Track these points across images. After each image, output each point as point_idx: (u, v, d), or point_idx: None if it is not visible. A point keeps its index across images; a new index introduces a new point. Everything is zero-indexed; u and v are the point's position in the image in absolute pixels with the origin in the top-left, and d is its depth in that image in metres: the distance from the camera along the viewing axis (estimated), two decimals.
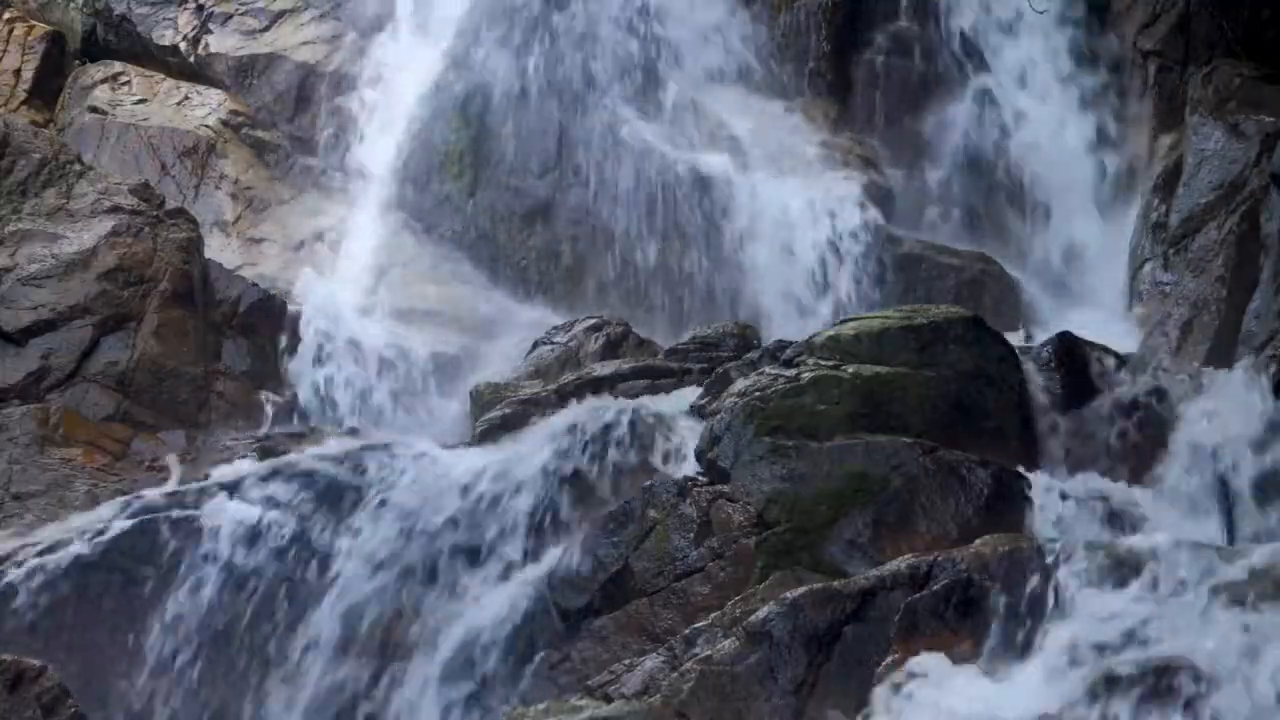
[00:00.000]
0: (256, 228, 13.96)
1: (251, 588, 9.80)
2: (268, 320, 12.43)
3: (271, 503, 10.14)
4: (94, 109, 14.52)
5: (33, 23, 15.08)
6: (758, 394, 9.74)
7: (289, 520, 10.04)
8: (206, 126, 14.46)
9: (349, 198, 14.32)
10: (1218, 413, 9.93)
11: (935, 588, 8.23)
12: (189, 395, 11.70)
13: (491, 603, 9.44)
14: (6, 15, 15.02)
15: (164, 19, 15.24)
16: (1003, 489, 9.28)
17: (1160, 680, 7.44)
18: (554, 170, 14.03)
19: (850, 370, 9.78)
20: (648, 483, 9.66)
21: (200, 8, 15.24)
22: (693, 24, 14.93)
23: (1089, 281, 13.53)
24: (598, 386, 11.07)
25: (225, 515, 10.05)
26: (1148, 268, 12.35)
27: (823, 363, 9.88)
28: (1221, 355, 11.07)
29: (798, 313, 13.22)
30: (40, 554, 9.88)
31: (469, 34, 14.68)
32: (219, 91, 14.83)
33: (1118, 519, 9.33)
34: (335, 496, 10.16)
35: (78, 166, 12.60)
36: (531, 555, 9.66)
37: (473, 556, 9.76)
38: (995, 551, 8.36)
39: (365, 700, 9.39)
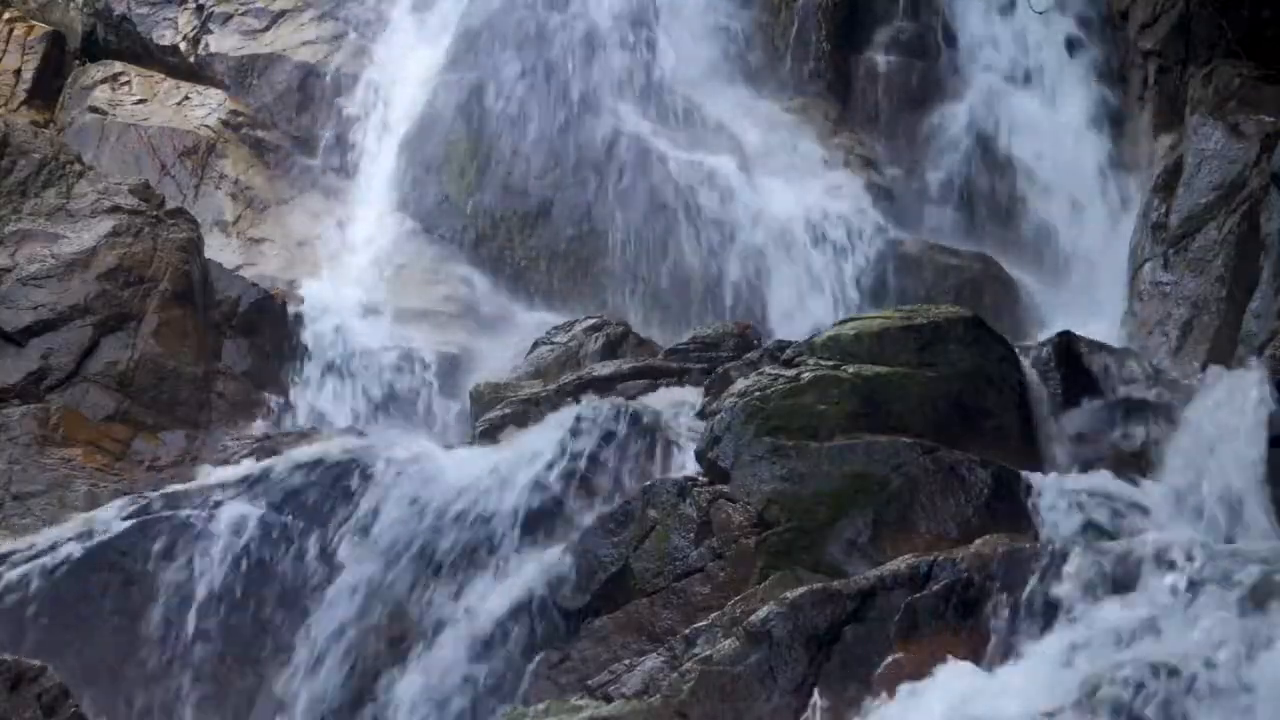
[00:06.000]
0: (256, 228, 13.96)
1: (251, 588, 9.80)
2: (268, 320, 12.42)
3: (271, 503, 10.13)
4: (94, 109, 14.52)
5: (33, 23, 15.08)
6: (758, 394, 9.74)
7: (289, 521, 10.04)
8: (206, 126, 14.46)
9: (349, 198, 14.32)
10: (1217, 412, 9.93)
11: (935, 588, 8.24)
12: (189, 395, 11.70)
13: (491, 602, 9.44)
14: (6, 15, 15.02)
15: (164, 19, 15.24)
16: (1003, 489, 9.28)
17: (1160, 680, 7.44)
18: (554, 170, 14.03)
19: (850, 370, 9.78)
20: (648, 483, 9.66)
21: (200, 8, 15.24)
22: (693, 23, 14.93)
23: (1089, 281, 13.53)
24: (598, 386, 11.08)
25: (225, 515, 10.05)
26: (1148, 268, 12.34)
27: (823, 363, 9.88)
28: (1221, 355, 11.07)
29: (798, 313, 13.22)
30: (40, 554, 9.88)
31: (469, 34, 14.68)
32: (219, 91, 14.82)
33: (1118, 519, 9.32)
34: (335, 497, 10.16)
35: (78, 166, 12.60)
36: (531, 555, 9.66)
37: (473, 556, 9.75)
38: (995, 551, 8.37)
39: (366, 700, 9.39)
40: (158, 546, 9.92)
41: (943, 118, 14.51)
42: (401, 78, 14.78)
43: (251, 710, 9.51)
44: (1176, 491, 9.67)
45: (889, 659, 8.06)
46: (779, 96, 14.73)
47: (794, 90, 14.77)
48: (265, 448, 11.08)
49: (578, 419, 10.28)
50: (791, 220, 13.70)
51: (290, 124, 14.70)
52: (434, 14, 15.11)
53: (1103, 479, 9.70)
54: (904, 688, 7.87)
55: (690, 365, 11.32)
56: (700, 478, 9.62)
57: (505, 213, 13.98)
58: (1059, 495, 9.37)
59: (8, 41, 14.84)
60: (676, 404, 10.64)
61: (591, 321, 12.32)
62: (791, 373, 9.85)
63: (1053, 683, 7.61)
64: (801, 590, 8.41)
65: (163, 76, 14.99)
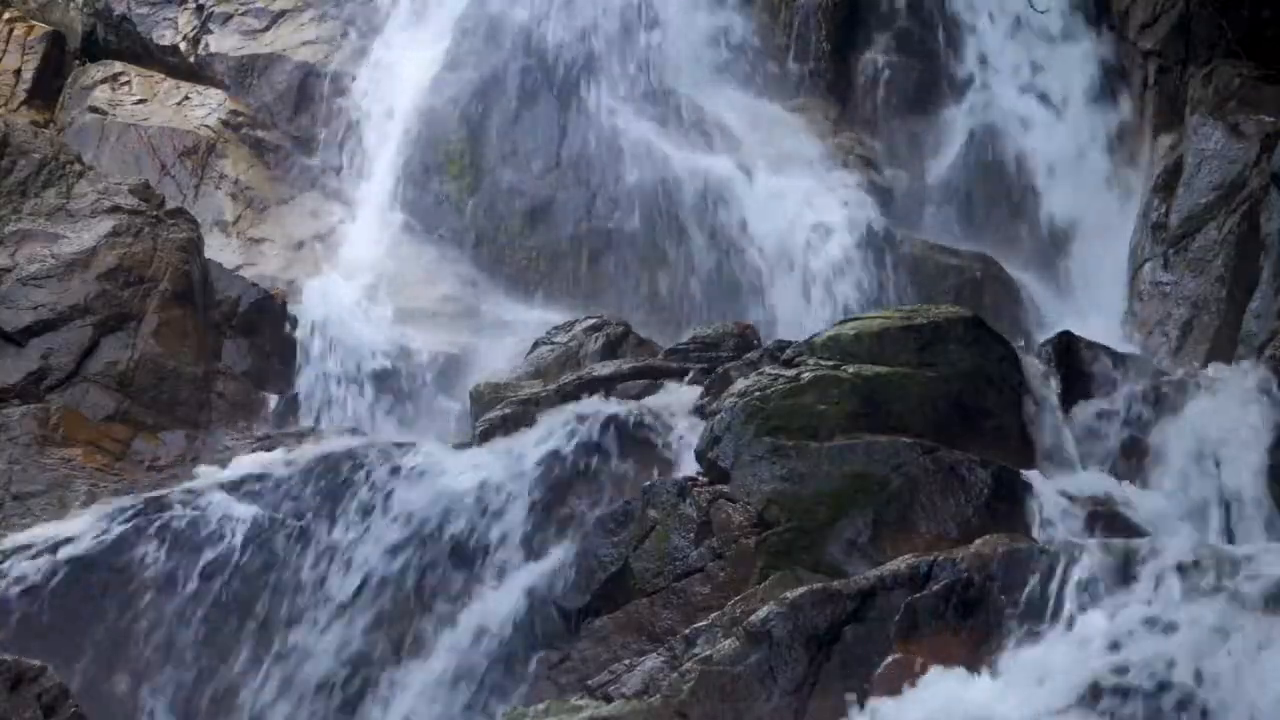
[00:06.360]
0: (256, 228, 13.96)
1: (251, 589, 9.80)
2: (268, 320, 12.42)
3: (271, 503, 10.13)
4: (94, 109, 14.52)
5: (33, 23, 15.08)
6: (758, 394, 9.74)
7: (289, 521, 10.04)
8: (206, 126, 14.46)
9: (349, 198, 14.32)
10: (1218, 413, 9.93)
11: (935, 588, 8.23)
12: (189, 395, 11.70)
13: (491, 603, 9.45)
14: (6, 15, 15.02)
15: (164, 19, 15.24)
16: (1003, 489, 9.28)
17: (1159, 681, 7.44)
18: (554, 170, 14.03)
19: (850, 370, 9.78)
20: (648, 483, 9.66)
21: (200, 8, 15.24)
22: (693, 23, 14.93)
23: (1089, 281, 13.53)
24: (598, 386, 11.07)
25: (225, 515, 10.05)
26: (1148, 268, 12.35)
27: (823, 363, 9.88)
28: (1221, 355, 11.08)
29: (798, 313, 13.22)
30: (40, 554, 9.87)
31: (469, 34, 14.68)
32: (219, 91, 14.82)
33: (1117, 519, 9.33)
34: (335, 497, 10.16)
35: (78, 166, 12.59)
36: (531, 555, 9.66)
37: (473, 556, 9.76)
38: (995, 551, 8.36)
39: (366, 700, 9.39)
40: (157, 546, 9.92)
41: (943, 118, 14.52)
42: (401, 78, 14.78)
43: (251, 709, 9.50)
44: (1176, 492, 9.67)
45: (889, 659, 8.06)
46: (779, 96, 14.73)
47: (794, 90, 14.77)
48: (265, 448, 11.08)
49: (577, 419, 10.29)
50: (791, 220, 13.70)
51: (290, 124, 14.70)
52: (434, 14, 15.10)
53: (1103, 479, 9.71)
54: (904, 688, 7.87)
55: (690, 365, 11.31)
56: (700, 478, 9.62)
57: (505, 213, 13.98)
58: (1059, 495, 9.38)
59: (8, 41, 14.84)
60: (676, 404, 10.63)
61: (591, 321, 12.32)
62: (791, 373, 9.85)
63: (1052, 683, 7.61)
64: (801, 590, 8.40)
65: (163, 76, 14.99)
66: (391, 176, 14.30)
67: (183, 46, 15.11)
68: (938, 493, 9.23)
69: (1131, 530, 9.18)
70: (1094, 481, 9.65)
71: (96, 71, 14.90)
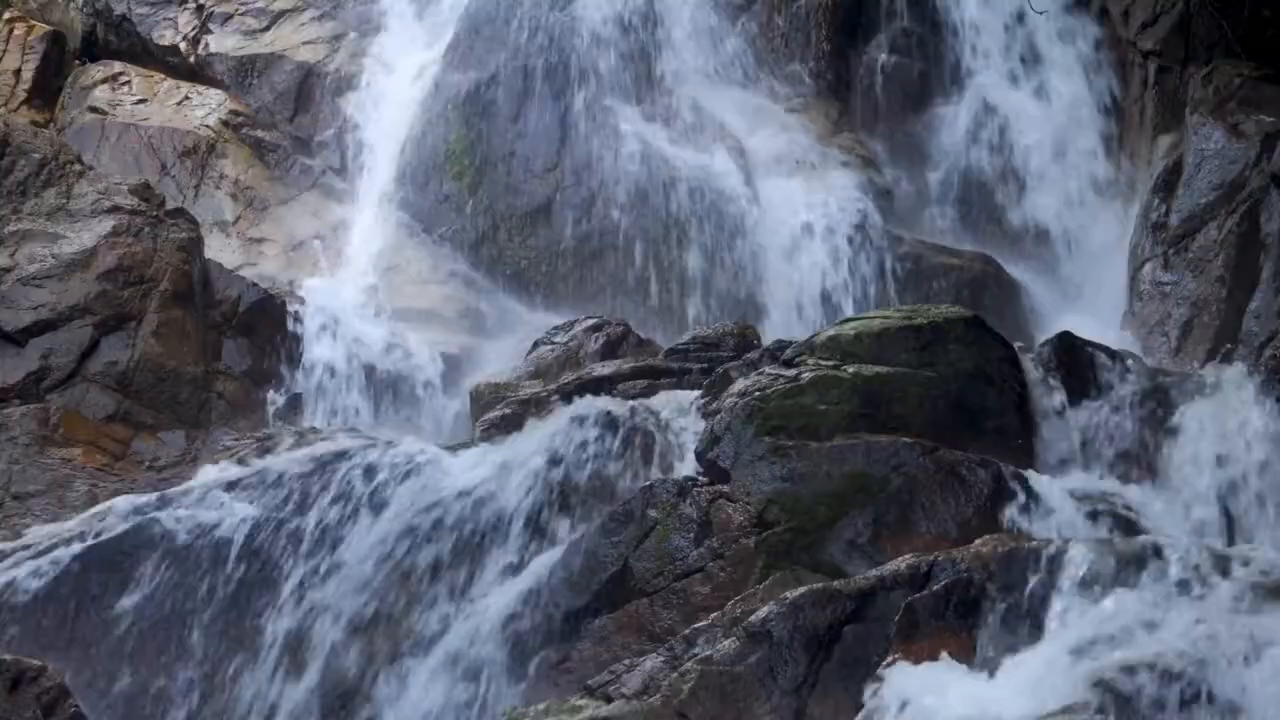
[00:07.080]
0: (256, 228, 13.96)
1: (249, 588, 9.80)
2: (268, 320, 12.42)
3: (271, 503, 10.13)
4: (94, 109, 14.52)
5: (33, 23, 15.09)
6: (758, 394, 9.74)
7: (288, 520, 10.04)
8: (206, 126, 14.47)
9: (349, 198, 14.33)
10: (1218, 412, 9.93)
11: (935, 588, 8.24)
12: (189, 395, 11.70)
13: (491, 603, 9.44)
14: (6, 15, 15.03)
15: (164, 19, 15.25)
16: (1003, 489, 9.28)
17: (1159, 681, 7.44)
18: (554, 170, 14.03)
19: (850, 370, 9.78)
20: (648, 483, 9.66)
21: (200, 8, 15.25)
22: (693, 23, 14.93)
23: (1089, 281, 13.53)
24: (598, 386, 11.07)
25: (225, 515, 10.05)
26: (1148, 268, 12.35)
27: (823, 363, 9.88)
28: (1221, 355, 11.07)
29: (798, 313, 13.22)
30: (40, 554, 9.87)
31: (469, 33, 14.68)
32: (219, 91, 14.83)
33: (1117, 519, 9.33)
34: (335, 497, 10.16)
35: (78, 166, 12.59)
36: (531, 555, 9.66)
37: (472, 556, 9.75)
38: (995, 551, 8.37)
39: (364, 700, 9.39)
40: (156, 546, 9.92)
41: (943, 118, 14.52)
42: (401, 77, 14.78)
43: (250, 710, 9.50)
44: (1176, 492, 9.67)
45: (889, 659, 8.06)
46: (779, 96, 14.72)
47: (794, 90, 14.77)
48: (265, 448, 11.07)
49: (577, 419, 10.28)
50: (791, 220, 13.70)
51: (290, 124, 14.71)
52: (434, 14, 15.12)
53: (1103, 479, 9.71)
54: (903, 688, 7.87)
55: (690, 365, 11.32)
56: (700, 478, 9.62)
57: (505, 213, 13.98)
58: (1059, 495, 9.37)
59: (8, 41, 14.84)
60: (676, 404, 10.63)
61: (591, 321, 12.32)
62: (791, 373, 9.85)
63: (1052, 683, 7.61)
64: (801, 590, 8.40)
65: (163, 76, 14.99)
66: (391, 176, 14.31)
67: (183, 46, 15.11)
68: (938, 493, 9.23)
69: (1132, 530, 9.18)
70: (1094, 481, 9.65)
71: (96, 71, 14.90)
